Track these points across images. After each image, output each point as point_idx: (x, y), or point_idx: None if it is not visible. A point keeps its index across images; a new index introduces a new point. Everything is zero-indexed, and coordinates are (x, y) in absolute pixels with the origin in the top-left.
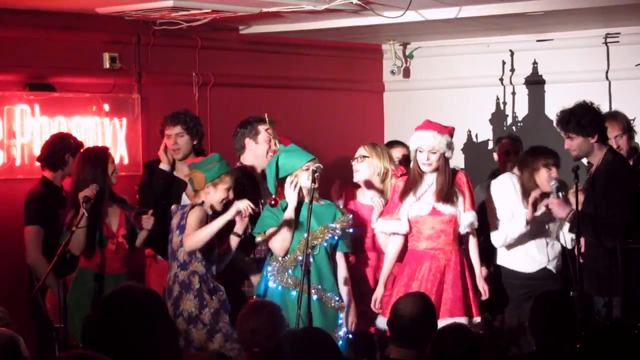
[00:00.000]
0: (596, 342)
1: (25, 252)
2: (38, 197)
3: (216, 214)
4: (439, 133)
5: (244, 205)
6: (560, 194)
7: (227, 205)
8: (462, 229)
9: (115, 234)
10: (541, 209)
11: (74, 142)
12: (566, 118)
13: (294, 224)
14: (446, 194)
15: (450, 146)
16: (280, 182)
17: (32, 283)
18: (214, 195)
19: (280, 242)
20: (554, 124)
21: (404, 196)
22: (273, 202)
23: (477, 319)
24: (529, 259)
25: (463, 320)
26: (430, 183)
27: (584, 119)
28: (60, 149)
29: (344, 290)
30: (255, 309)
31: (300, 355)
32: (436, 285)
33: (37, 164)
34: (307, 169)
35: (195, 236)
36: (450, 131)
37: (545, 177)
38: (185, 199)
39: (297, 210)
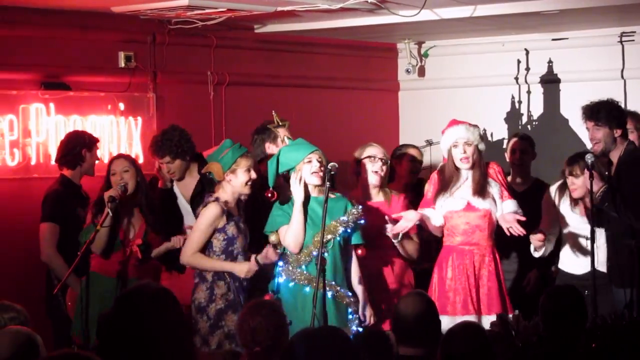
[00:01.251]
0: (612, 341)
1: (40, 249)
2: (55, 195)
3: (248, 198)
4: (470, 126)
5: (246, 268)
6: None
7: (253, 186)
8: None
9: (131, 241)
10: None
11: (88, 137)
12: (596, 108)
13: (303, 218)
14: (482, 189)
15: (482, 138)
16: (280, 178)
17: (51, 281)
18: (236, 181)
19: (293, 238)
20: (581, 114)
21: (439, 193)
22: (269, 195)
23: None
24: (579, 260)
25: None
26: (465, 178)
27: (614, 111)
28: (75, 145)
29: (357, 282)
30: (255, 308)
31: (316, 356)
32: (473, 281)
33: (53, 163)
34: (310, 162)
35: (196, 260)
36: (477, 127)
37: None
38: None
39: (305, 205)
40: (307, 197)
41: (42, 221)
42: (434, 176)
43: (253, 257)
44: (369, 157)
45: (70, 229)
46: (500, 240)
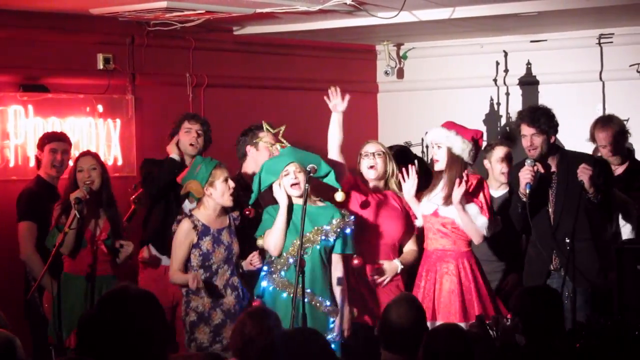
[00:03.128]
0: (594, 342)
1: (20, 248)
2: (29, 194)
3: (235, 206)
4: (450, 130)
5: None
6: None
7: (237, 197)
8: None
9: (97, 237)
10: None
11: (67, 141)
12: (537, 115)
13: (286, 223)
14: (449, 197)
15: (460, 144)
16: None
17: (29, 283)
18: (216, 193)
19: (273, 241)
20: (518, 119)
21: (422, 193)
22: (247, 212)
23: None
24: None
25: None
26: (441, 183)
27: (551, 118)
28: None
29: (337, 292)
30: (258, 316)
31: (293, 355)
32: (441, 287)
33: (32, 164)
34: (287, 174)
35: (174, 277)
36: (473, 135)
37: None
38: (187, 206)
39: (290, 213)
40: (290, 206)
41: (19, 220)
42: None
43: (193, 273)
44: (362, 154)
45: (46, 228)
46: (486, 245)
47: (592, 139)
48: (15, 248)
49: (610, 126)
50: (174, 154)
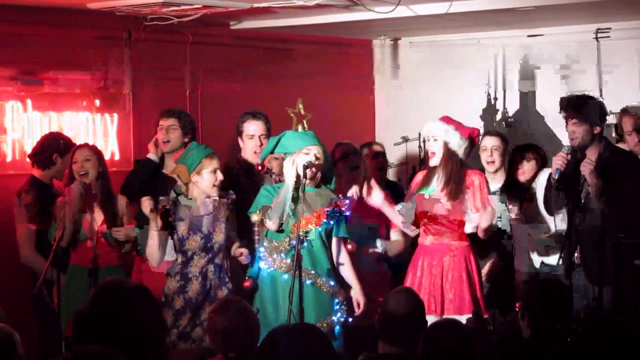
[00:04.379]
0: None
1: (19, 252)
2: (25, 197)
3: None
4: (447, 124)
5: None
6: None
7: (225, 189)
8: (468, 229)
9: (95, 231)
10: None
11: (64, 143)
12: (579, 103)
13: (290, 199)
14: (450, 191)
15: (458, 140)
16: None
17: (36, 278)
18: (202, 182)
19: (275, 214)
20: (562, 106)
21: (417, 190)
22: (260, 167)
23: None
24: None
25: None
26: (438, 178)
27: (597, 108)
28: (48, 148)
29: (347, 272)
30: (222, 308)
31: (293, 353)
32: (438, 282)
33: (28, 160)
34: (307, 153)
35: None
36: (470, 132)
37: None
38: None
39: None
40: (295, 187)
41: (17, 223)
42: (419, 176)
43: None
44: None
45: (45, 227)
46: (478, 241)
47: (619, 127)
48: (14, 241)
49: (637, 113)
50: (151, 154)
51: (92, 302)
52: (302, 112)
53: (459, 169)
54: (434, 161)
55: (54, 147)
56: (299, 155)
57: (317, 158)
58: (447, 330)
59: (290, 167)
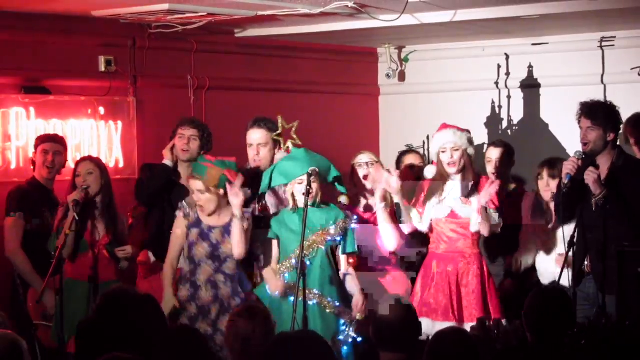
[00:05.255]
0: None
1: (4, 244)
2: (19, 190)
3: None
4: (459, 130)
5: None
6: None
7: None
8: (473, 227)
9: (98, 241)
10: None
11: (60, 142)
12: (595, 108)
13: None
14: (468, 196)
15: (471, 142)
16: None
17: (15, 282)
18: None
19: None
20: (578, 111)
21: (427, 198)
22: (260, 209)
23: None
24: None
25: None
26: (453, 185)
27: (612, 114)
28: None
29: (348, 281)
30: (248, 314)
31: (294, 358)
32: (455, 289)
33: (14, 164)
34: (301, 183)
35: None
36: (468, 131)
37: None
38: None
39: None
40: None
41: (6, 215)
42: (423, 183)
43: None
44: (356, 164)
45: (35, 227)
46: (488, 244)
47: (625, 138)
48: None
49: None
50: (167, 160)
51: (96, 312)
52: (286, 126)
53: (476, 176)
54: (454, 169)
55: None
56: (294, 186)
57: (310, 184)
58: (452, 338)
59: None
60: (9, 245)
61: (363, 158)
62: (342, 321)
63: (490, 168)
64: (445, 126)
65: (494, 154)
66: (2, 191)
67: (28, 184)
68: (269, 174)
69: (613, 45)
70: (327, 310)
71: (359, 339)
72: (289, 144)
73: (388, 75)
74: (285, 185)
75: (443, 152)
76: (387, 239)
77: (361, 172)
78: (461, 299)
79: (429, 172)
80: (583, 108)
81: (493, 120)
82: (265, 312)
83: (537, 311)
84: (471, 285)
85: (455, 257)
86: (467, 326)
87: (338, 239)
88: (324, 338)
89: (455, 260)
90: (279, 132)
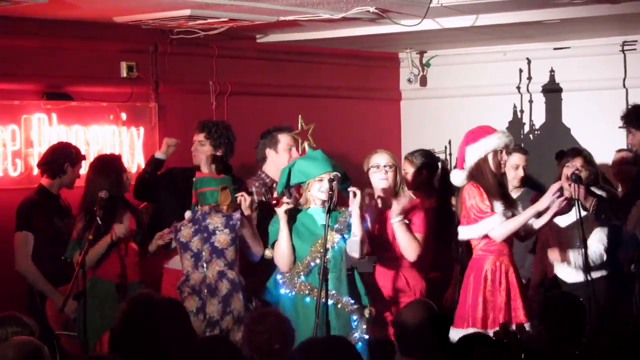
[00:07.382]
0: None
1: (15, 259)
2: (29, 204)
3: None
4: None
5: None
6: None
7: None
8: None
9: (123, 240)
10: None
11: (75, 153)
12: (633, 111)
13: (289, 239)
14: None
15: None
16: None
17: (32, 291)
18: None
19: (280, 259)
20: (621, 118)
21: (491, 199)
22: (275, 202)
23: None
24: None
25: (527, 325)
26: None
27: None
28: (60, 156)
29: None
30: (261, 317)
31: None
32: (504, 294)
33: (36, 170)
34: (321, 180)
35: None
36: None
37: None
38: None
39: (294, 218)
40: (298, 210)
41: (16, 230)
42: (474, 189)
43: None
44: (373, 166)
45: (45, 238)
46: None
47: None
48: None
49: None
50: (158, 153)
51: (122, 317)
52: (304, 127)
53: None
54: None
55: (66, 156)
56: (313, 184)
57: (332, 189)
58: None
59: (280, 209)
60: (19, 260)
61: (380, 160)
62: (353, 317)
63: (514, 173)
64: (491, 129)
65: (521, 161)
66: (25, 196)
67: (37, 193)
68: (286, 172)
69: (635, 49)
70: (344, 309)
71: (367, 337)
72: (305, 144)
73: (410, 80)
74: (300, 184)
75: (500, 152)
76: (406, 251)
77: (378, 176)
78: (510, 304)
79: (456, 177)
80: (626, 113)
81: (515, 125)
82: (275, 312)
83: (550, 316)
84: (517, 287)
85: (502, 260)
86: (490, 332)
87: (346, 235)
88: (350, 342)
89: (501, 264)
90: (297, 131)
